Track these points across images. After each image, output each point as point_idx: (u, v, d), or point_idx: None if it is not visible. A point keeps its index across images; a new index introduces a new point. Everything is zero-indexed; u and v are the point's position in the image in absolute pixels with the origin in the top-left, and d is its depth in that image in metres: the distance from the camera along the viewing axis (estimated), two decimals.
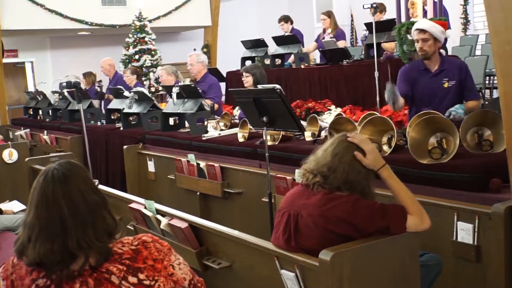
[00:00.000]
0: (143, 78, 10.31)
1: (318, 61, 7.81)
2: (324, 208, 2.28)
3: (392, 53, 4.51)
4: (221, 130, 5.06)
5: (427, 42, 3.94)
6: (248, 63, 7.28)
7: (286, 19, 8.39)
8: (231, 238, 2.70)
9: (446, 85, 3.99)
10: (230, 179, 4.36)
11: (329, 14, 7.93)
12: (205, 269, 2.87)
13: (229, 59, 10.18)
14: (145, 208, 3.26)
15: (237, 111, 6.43)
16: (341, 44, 7.35)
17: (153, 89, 10.15)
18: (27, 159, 5.34)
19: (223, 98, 7.59)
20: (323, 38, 7.76)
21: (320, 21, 8.37)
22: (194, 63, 6.49)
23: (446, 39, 6.61)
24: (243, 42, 7.85)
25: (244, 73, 5.62)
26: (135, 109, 6.17)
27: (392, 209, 2.30)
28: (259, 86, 4.81)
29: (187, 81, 6.15)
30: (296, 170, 3.45)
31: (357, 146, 2.37)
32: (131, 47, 10.82)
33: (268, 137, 4.03)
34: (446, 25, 4.17)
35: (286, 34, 8.11)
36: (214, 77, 6.70)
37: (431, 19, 4.96)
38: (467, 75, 4.01)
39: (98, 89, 8.34)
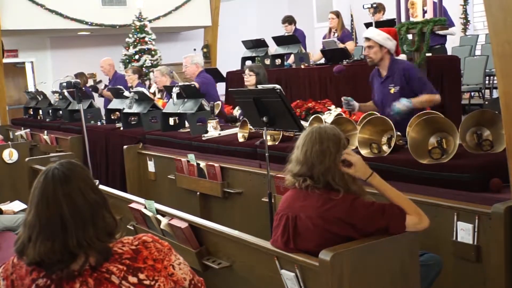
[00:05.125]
0: (144, 78, 10.30)
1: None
2: (322, 208, 2.28)
3: (342, 68, 4.66)
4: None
5: (372, 49, 4.14)
6: (248, 63, 7.27)
7: (290, 20, 8.32)
8: (231, 238, 2.70)
9: (392, 90, 4.11)
10: (230, 179, 4.36)
11: (338, 14, 7.88)
12: (205, 269, 2.87)
13: (229, 59, 10.17)
14: (145, 208, 3.26)
15: (237, 111, 6.42)
16: (349, 45, 7.32)
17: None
18: (27, 159, 5.35)
19: (223, 99, 7.57)
20: (330, 38, 7.73)
21: (327, 20, 8.25)
22: (188, 64, 6.53)
23: (446, 38, 6.63)
24: (243, 42, 7.84)
25: (247, 71, 5.52)
26: (135, 109, 6.18)
27: (391, 208, 2.30)
28: (259, 86, 4.81)
29: (187, 82, 6.15)
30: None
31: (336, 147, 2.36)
32: (131, 47, 10.80)
33: (268, 137, 4.03)
34: (393, 32, 4.29)
35: (287, 34, 8.08)
36: (208, 75, 6.67)
37: (430, 20, 4.99)
38: (410, 79, 4.03)
39: (93, 83, 8.31)
